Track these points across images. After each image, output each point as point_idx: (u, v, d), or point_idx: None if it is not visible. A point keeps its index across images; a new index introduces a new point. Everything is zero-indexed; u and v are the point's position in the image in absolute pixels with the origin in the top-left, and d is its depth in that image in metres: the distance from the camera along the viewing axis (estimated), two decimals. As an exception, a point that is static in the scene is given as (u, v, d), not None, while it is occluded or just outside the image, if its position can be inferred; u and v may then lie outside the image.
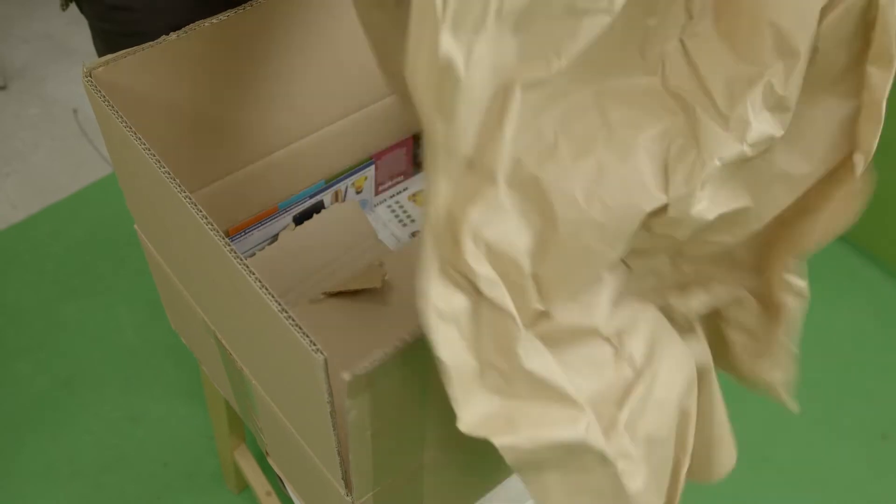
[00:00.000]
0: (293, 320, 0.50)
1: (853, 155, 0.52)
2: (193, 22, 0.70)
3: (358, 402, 0.51)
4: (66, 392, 1.43)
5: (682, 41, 0.51)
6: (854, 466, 1.37)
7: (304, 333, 0.49)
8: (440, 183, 0.45)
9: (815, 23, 0.48)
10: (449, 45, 0.41)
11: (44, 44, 2.02)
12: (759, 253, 0.59)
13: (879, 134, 0.50)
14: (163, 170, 0.58)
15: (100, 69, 0.66)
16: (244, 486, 1.31)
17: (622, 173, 0.49)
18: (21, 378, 1.44)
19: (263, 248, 0.89)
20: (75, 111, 1.87)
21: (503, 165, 0.46)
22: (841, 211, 0.55)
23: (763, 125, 0.50)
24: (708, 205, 0.51)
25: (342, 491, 0.61)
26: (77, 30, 2.08)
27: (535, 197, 0.48)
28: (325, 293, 0.82)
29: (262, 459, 1.22)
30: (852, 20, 0.48)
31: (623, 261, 0.55)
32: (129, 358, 1.47)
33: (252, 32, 0.73)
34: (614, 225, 0.49)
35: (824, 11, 0.48)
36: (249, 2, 0.71)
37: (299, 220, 0.90)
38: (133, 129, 0.60)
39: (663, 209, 0.50)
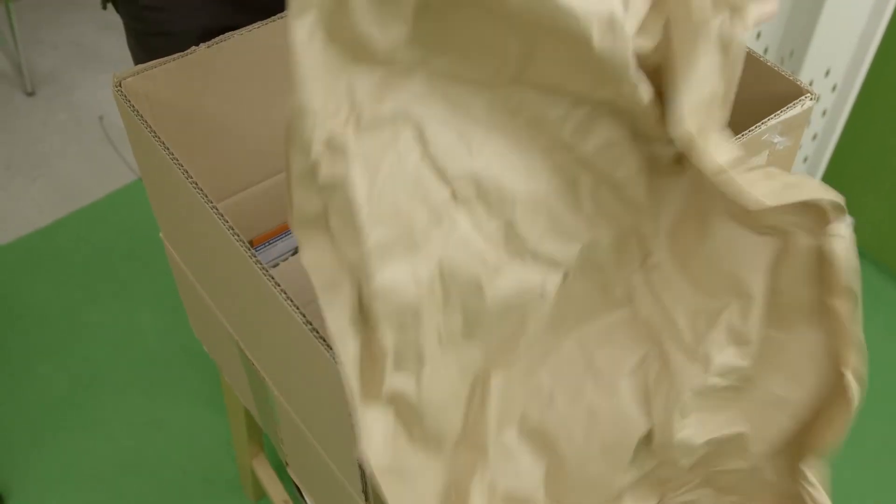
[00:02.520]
0: (317, 332, 0.50)
1: (843, 376, 0.55)
2: (225, 24, 0.71)
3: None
4: (87, 395, 1.44)
5: (645, 274, 0.56)
6: (877, 489, 1.35)
7: (328, 346, 0.49)
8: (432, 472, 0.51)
9: (768, 271, 0.52)
10: (394, 380, 0.46)
11: (72, 50, 2.05)
12: (778, 469, 0.62)
13: (865, 357, 0.52)
14: (189, 180, 0.58)
15: (129, 79, 0.67)
16: (262, 495, 1.31)
17: (611, 410, 0.56)
18: (43, 380, 1.46)
19: (287, 259, 0.89)
20: (101, 118, 1.89)
21: (492, 435, 0.53)
22: (841, 424, 0.57)
23: (727, 358, 0.55)
24: (694, 431, 0.56)
25: (362, 504, 0.61)
26: (105, 36, 2.10)
27: (542, 441, 0.56)
28: None
29: (280, 469, 1.22)
30: (805, 265, 0.52)
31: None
32: (151, 363, 1.48)
33: (281, 44, 0.74)
34: (612, 456, 0.56)
35: (778, 258, 0.52)
36: (281, 13, 0.72)
37: (323, 231, 0.90)
38: (161, 139, 0.61)
39: (650, 435, 0.56)
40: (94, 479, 1.34)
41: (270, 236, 0.87)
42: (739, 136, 0.60)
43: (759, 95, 0.68)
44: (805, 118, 0.64)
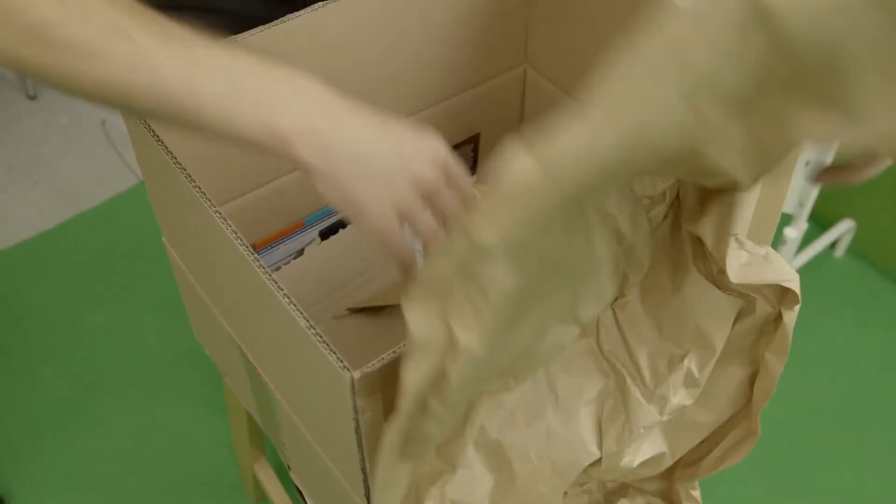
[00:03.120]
0: (321, 337, 0.50)
1: (750, 406, 0.63)
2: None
3: (371, 402, 0.51)
4: (88, 398, 1.44)
5: (613, 310, 0.61)
6: (880, 493, 1.35)
7: (331, 350, 0.49)
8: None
9: (730, 327, 0.59)
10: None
11: (74, 54, 2.05)
12: (668, 475, 0.71)
13: (771, 396, 0.62)
14: (192, 183, 0.58)
15: (132, 83, 0.67)
16: (263, 498, 1.31)
17: (566, 435, 0.60)
18: (45, 383, 1.46)
19: (289, 262, 0.89)
20: (103, 122, 1.89)
21: (462, 454, 0.57)
22: (736, 447, 0.65)
23: (679, 399, 0.61)
24: (633, 457, 0.62)
25: (364, 507, 0.61)
26: (107, 40, 2.10)
27: (496, 455, 0.59)
28: (349, 309, 0.82)
29: (281, 471, 1.22)
30: (759, 323, 0.60)
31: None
32: (152, 366, 1.48)
33: (283, 49, 0.74)
34: (560, 477, 0.61)
35: (739, 316, 0.59)
36: (283, 17, 0.72)
37: (325, 234, 0.90)
38: (163, 142, 0.61)
39: (598, 461, 0.62)
40: (95, 481, 1.34)
41: (273, 240, 0.87)
42: None
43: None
44: None
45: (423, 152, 0.54)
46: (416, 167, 0.54)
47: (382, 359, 0.50)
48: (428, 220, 0.55)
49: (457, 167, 0.56)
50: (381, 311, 0.83)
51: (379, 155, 0.53)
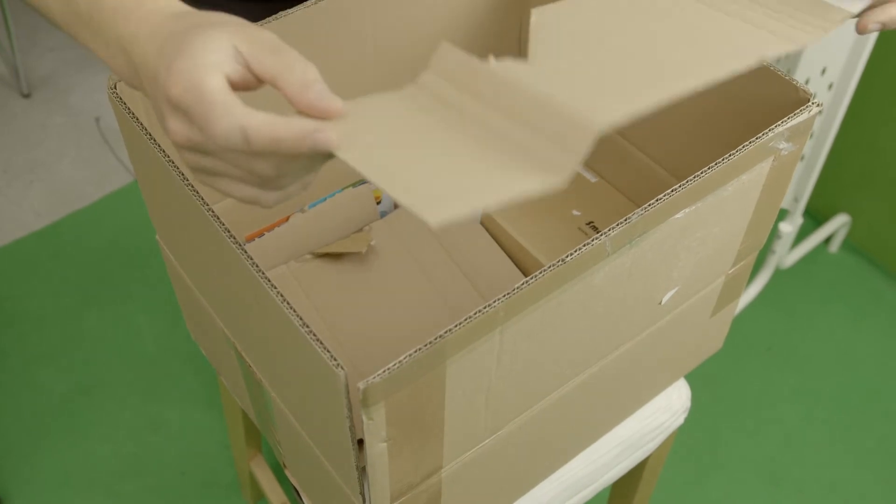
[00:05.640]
0: (314, 335, 0.50)
1: None
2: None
3: (373, 412, 0.51)
4: (85, 399, 1.44)
5: None
6: (875, 488, 1.35)
7: (324, 348, 0.49)
8: None
9: None
10: None
11: (70, 53, 2.04)
12: None
13: None
14: (185, 182, 0.58)
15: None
16: (260, 497, 1.31)
17: None
18: (41, 384, 1.45)
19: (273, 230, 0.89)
20: (97, 120, 1.89)
21: None
22: None
23: None
24: None
25: (359, 505, 0.61)
26: (101, 39, 2.10)
27: None
28: (311, 253, 0.85)
29: (277, 470, 1.22)
30: None
31: None
32: (149, 366, 1.48)
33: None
34: None
35: None
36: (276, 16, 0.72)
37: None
38: (156, 141, 0.61)
39: None
40: (92, 483, 1.34)
41: (263, 232, 0.87)
42: (748, 142, 0.60)
43: (759, 98, 0.69)
44: (811, 124, 0.65)
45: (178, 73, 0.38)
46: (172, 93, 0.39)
47: (389, 369, 0.49)
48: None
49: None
50: (343, 257, 0.86)
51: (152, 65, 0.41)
